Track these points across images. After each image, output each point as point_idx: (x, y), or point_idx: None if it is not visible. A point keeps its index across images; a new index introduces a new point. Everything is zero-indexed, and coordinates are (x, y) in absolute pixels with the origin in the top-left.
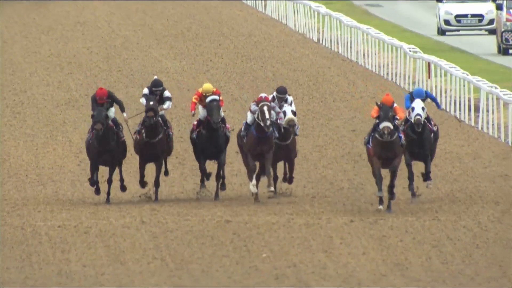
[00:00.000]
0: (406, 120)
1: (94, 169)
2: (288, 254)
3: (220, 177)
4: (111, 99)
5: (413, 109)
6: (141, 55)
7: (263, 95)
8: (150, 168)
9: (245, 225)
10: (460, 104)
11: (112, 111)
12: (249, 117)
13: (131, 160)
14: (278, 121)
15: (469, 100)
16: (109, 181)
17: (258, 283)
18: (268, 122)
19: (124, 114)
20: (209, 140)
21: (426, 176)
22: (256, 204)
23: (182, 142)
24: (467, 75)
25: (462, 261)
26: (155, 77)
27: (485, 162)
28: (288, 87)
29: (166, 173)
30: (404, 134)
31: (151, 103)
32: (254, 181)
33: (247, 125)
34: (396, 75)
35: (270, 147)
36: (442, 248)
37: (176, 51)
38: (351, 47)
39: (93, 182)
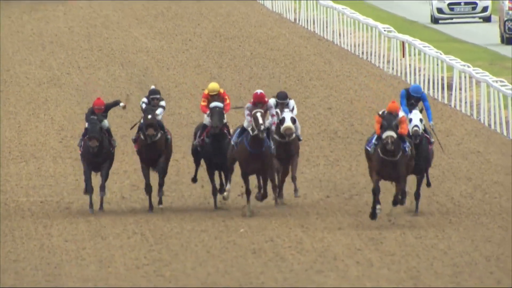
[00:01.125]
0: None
1: (88, 175)
2: (266, 229)
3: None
4: (108, 108)
5: (410, 120)
6: (122, 34)
7: (258, 91)
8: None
9: (223, 202)
10: (433, 83)
11: (106, 122)
12: (246, 122)
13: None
14: (272, 126)
15: (442, 79)
16: (102, 188)
17: (236, 257)
18: (262, 128)
19: (121, 104)
20: (213, 149)
21: (416, 195)
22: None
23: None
24: (441, 54)
25: (435, 235)
26: (153, 86)
27: (458, 139)
28: (266, 66)
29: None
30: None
31: (149, 116)
32: (228, 188)
33: (241, 132)
34: (371, 54)
35: (265, 163)
36: (415, 223)
37: (156, 31)
38: (327, 27)
39: (88, 186)
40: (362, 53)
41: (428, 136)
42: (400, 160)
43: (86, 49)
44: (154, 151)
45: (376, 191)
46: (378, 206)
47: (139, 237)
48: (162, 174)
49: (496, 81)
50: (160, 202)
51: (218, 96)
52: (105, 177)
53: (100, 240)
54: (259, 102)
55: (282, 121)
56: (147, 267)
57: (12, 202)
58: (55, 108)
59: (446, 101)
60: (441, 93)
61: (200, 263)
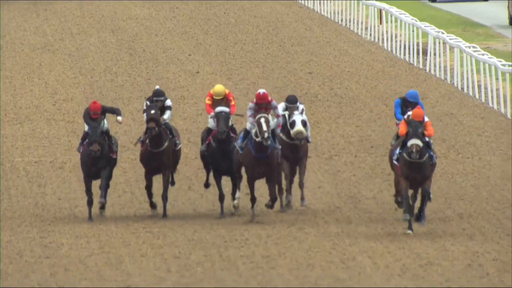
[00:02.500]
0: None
1: (88, 182)
2: (245, 188)
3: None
4: (105, 112)
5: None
6: (112, 2)
7: (261, 91)
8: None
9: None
10: (409, 48)
11: (105, 124)
12: (248, 124)
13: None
14: (277, 129)
15: (417, 45)
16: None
17: (215, 210)
18: (266, 135)
19: (119, 118)
20: (220, 154)
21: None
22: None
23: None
24: (416, 21)
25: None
26: (157, 87)
27: (433, 102)
28: (249, 32)
29: (172, 183)
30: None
31: (152, 112)
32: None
33: (245, 135)
34: (349, 21)
35: (272, 167)
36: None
37: None
38: None
39: (88, 192)
40: (341, 20)
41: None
42: (426, 162)
43: (78, 16)
44: (158, 161)
45: (406, 199)
46: (406, 216)
47: (129, 195)
48: (166, 186)
49: (469, 47)
50: (164, 214)
51: (223, 99)
52: (104, 188)
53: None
54: (262, 102)
55: (292, 124)
56: (136, 224)
57: (8, 162)
58: (48, 73)
59: (421, 66)
60: (417, 58)
61: (187, 220)
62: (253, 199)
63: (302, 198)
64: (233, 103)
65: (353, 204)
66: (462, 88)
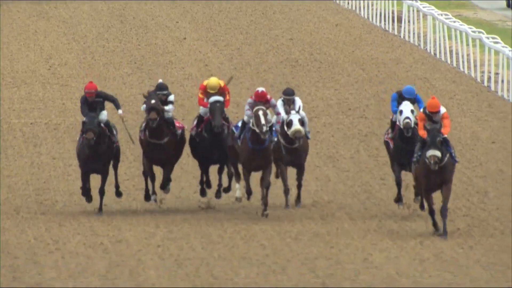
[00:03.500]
0: (393, 124)
1: (85, 178)
2: None
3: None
4: (103, 98)
5: (401, 112)
6: None
7: (260, 89)
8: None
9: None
10: (385, 16)
11: (105, 114)
12: (246, 116)
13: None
14: (276, 125)
15: (393, 12)
16: (101, 192)
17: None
18: (264, 129)
19: (120, 111)
20: (212, 145)
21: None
22: None
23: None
24: None
25: (386, 153)
26: (160, 80)
27: (407, 67)
28: (234, 1)
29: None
30: (392, 141)
31: (153, 101)
32: (244, 195)
33: (243, 125)
34: None
35: (268, 161)
36: (369, 143)
37: None
38: None
39: (85, 191)
40: None
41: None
42: (447, 165)
43: None
44: (160, 154)
45: (432, 214)
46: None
47: (120, 155)
48: (168, 174)
49: (441, 15)
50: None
51: (217, 92)
52: (104, 179)
53: None
54: (260, 100)
55: (289, 124)
56: (127, 182)
57: (5, 123)
58: (43, 39)
59: (396, 33)
60: (392, 25)
61: (175, 178)
62: (249, 192)
63: (298, 199)
64: (228, 97)
65: (332, 164)
66: (435, 54)
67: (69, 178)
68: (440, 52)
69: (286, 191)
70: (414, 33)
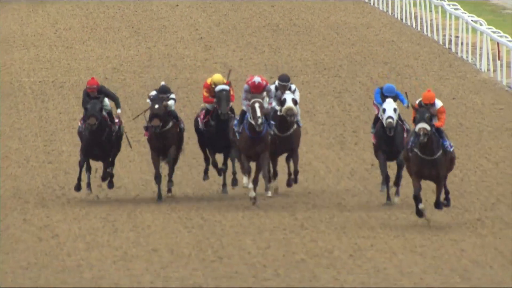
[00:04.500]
0: (377, 120)
1: (83, 163)
2: None
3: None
4: (104, 94)
5: (384, 110)
6: None
7: (256, 80)
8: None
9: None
10: None
11: (107, 103)
12: (244, 106)
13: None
14: (269, 107)
15: None
16: (104, 178)
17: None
18: (260, 121)
19: (119, 111)
20: (218, 132)
21: (398, 182)
22: None
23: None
24: None
25: (357, 108)
26: (162, 83)
27: (376, 31)
28: None
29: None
30: (375, 137)
31: (156, 106)
32: (250, 185)
33: (242, 117)
34: None
35: (265, 147)
36: (342, 99)
37: None
38: None
39: (78, 186)
40: None
41: (403, 124)
42: (440, 158)
43: None
44: (164, 140)
45: (417, 199)
46: (421, 205)
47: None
48: (173, 164)
49: None
50: (169, 190)
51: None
52: (106, 165)
53: None
54: (256, 92)
55: (283, 102)
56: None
57: (16, 81)
58: (50, 6)
59: (366, 0)
60: None
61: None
62: (247, 170)
63: (295, 179)
64: (232, 93)
65: (309, 118)
66: (401, 19)
67: (73, 131)
68: (406, 18)
69: (275, 175)
70: (382, 0)
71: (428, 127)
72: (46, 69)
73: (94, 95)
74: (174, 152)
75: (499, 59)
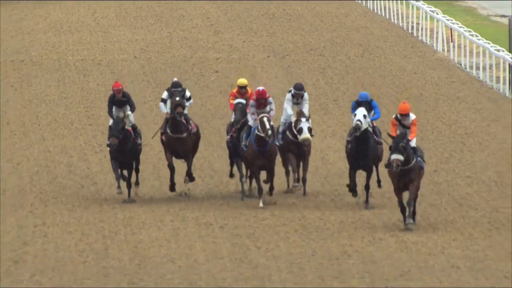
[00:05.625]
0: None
1: (116, 171)
2: None
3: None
4: (127, 99)
5: (355, 115)
6: None
7: (260, 88)
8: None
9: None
10: None
11: (132, 116)
12: (251, 120)
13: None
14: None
15: None
16: (129, 184)
17: None
18: (269, 132)
19: (129, 113)
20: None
21: (366, 187)
22: None
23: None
24: None
25: (338, 81)
26: (175, 79)
27: (353, 19)
28: None
29: (192, 178)
30: (348, 143)
31: (177, 98)
32: (261, 204)
33: (247, 132)
34: None
35: (272, 160)
36: (325, 74)
37: None
38: None
39: (118, 184)
40: None
41: (376, 138)
42: (414, 167)
43: None
44: (180, 147)
45: (402, 211)
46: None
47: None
48: (190, 164)
49: None
50: (189, 179)
51: (245, 92)
52: (130, 173)
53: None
54: (261, 97)
55: (300, 131)
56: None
57: (62, 59)
58: None
59: None
60: None
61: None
62: (260, 190)
63: (304, 191)
64: (250, 100)
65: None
66: (373, 9)
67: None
68: (377, 8)
69: (294, 170)
70: None
71: (401, 158)
72: (87, 50)
73: (119, 97)
74: (190, 156)
75: (451, 42)
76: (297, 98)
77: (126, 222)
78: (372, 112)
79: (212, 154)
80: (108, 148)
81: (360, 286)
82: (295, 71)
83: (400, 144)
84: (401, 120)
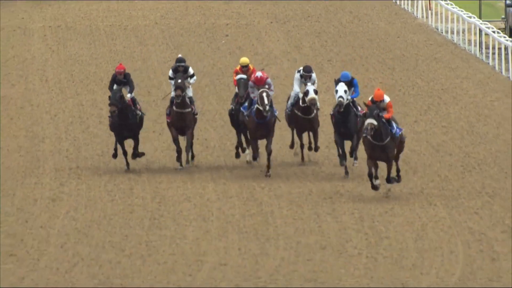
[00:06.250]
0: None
1: (118, 143)
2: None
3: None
4: (127, 80)
5: (336, 91)
6: None
7: (258, 75)
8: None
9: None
10: None
11: (132, 93)
12: (252, 94)
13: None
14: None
15: None
16: (134, 156)
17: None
18: (267, 108)
19: (129, 95)
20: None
21: (352, 154)
22: None
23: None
24: None
25: (331, 44)
26: (180, 55)
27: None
28: None
29: (192, 156)
30: (333, 116)
31: (179, 81)
32: (251, 160)
33: (249, 103)
34: None
35: (270, 131)
36: (321, 38)
37: None
38: None
39: (115, 154)
40: None
41: (355, 110)
42: (388, 144)
43: None
44: (183, 121)
45: (370, 176)
46: (376, 182)
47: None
48: (191, 140)
49: None
50: (192, 157)
51: (247, 70)
52: (136, 143)
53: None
54: (259, 84)
55: (306, 93)
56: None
57: (93, 25)
58: None
59: None
60: None
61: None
62: (255, 156)
63: (315, 151)
64: (252, 78)
65: (297, 51)
66: None
67: (133, 60)
68: None
69: (302, 146)
70: None
71: (375, 122)
72: (114, 16)
73: (121, 78)
74: (191, 132)
75: (430, 10)
76: (305, 79)
77: (148, 166)
78: (352, 89)
79: (223, 107)
80: (110, 119)
81: (350, 221)
82: (295, 35)
83: (374, 111)
84: (377, 104)
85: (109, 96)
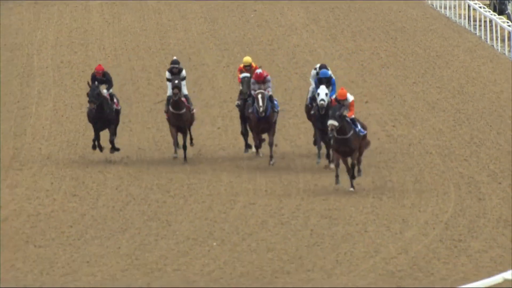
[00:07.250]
0: (313, 99)
1: (96, 135)
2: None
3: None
4: (106, 79)
5: (318, 94)
6: None
7: (258, 71)
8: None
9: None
10: None
11: (111, 89)
12: (253, 92)
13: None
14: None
15: None
16: (111, 141)
17: None
18: (261, 109)
19: (105, 91)
20: (243, 108)
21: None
22: None
23: None
24: None
25: (332, 18)
26: (174, 57)
27: None
28: None
29: (191, 143)
30: (314, 116)
31: (176, 81)
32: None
33: (252, 102)
34: None
35: (271, 125)
36: (319, 14)
37: None
38: None
39: (94, 146)
40: None
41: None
42: (351, 137)
43: None
44: (179, 121)
45: (337, 166)
46: (339, 179)
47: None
48: (185, 138)
49: None
50: (191, 141)
51: (250, 68)
52: (111, 133)
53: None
54: (259, 80)
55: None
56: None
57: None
58: None
59: None
60: None
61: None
62: (257, 146)
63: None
64: (254, 75)
65: (315, 23)
66: None
67: (141, 36)
68: None
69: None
70: None
71: (336, 123)
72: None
73: (100, 77)
74: (186, 131)
75: None
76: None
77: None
78: (330, 88)
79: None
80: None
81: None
82: (313, 10)
83: (336, 112)
84: (341, 103)
85: (87, 93)
